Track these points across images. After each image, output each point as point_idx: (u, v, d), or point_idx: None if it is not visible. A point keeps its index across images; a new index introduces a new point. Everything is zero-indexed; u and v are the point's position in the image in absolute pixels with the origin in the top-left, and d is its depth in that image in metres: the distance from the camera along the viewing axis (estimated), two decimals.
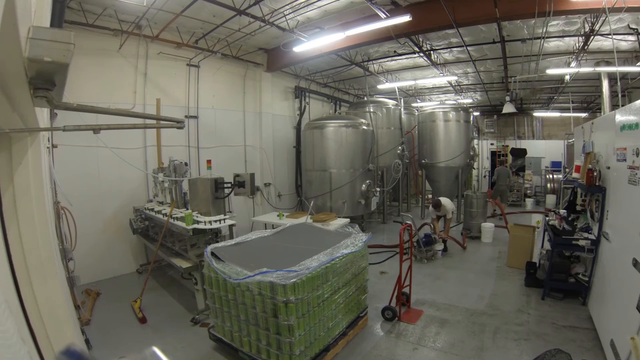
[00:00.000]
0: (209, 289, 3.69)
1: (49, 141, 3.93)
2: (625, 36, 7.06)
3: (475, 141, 12.73)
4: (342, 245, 3.93)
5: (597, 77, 8.83)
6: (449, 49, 8.66)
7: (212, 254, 3.64)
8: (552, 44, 7.88)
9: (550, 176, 13.20)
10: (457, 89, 12.89)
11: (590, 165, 4.54)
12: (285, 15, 6.12)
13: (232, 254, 3.70)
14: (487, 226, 8.10)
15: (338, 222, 6.42)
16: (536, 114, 16.15)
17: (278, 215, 7.34)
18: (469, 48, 8.09)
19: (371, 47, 8.41)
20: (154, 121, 4.48)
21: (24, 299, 1.91)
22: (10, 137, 2.04)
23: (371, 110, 9.78)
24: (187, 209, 5.39)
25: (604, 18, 5.47)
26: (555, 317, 4.39)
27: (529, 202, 13.46)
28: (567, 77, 9.53)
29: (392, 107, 10.66)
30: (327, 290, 3.45)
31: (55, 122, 4.30)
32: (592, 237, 4.51)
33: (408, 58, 9.31)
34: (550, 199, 12.24)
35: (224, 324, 3.63)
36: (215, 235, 5.09)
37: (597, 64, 8.15)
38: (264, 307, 3.10)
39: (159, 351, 0.72)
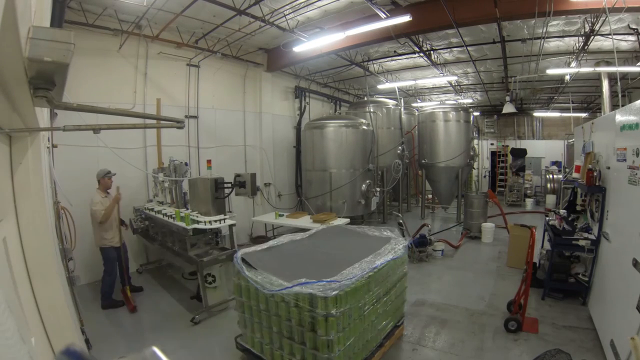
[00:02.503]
0: (237, 298, 3.44)
1: (49, 141, 3.93)
2: (625, 36, 7.06)
3: (475, 141, 12.74)
4: (384, 252, 3.61)
5: (597, 77, 8.82)
6: (449, 49, 8.66)
7: (243, 260, 3.34)
8: (552, 44, 7.88)
9: (550, 176, 13.21)
10: (457, 89, 12.89)
11: (590, 165, 4.54)
12: (285, 15, 6.12)
13: (264, 260, 3.41)
14: (487, 226, 8.10)
15: (338, 222, 6.42)
16: (536, 114, 16.15)
17: (276, 215, 7.35)
18: (469, 48, 8.08)
19: (371, 47, 8.40)
20: (154, 121, 4.47)
21: (24, 299, 1.91)
22: (10, 137, 2.04)
23: (371, 110, 9.78)
24: (187, 209, 5.39)
25: (604, 18, 5.47)
26: (555, 317, 4.39)
27: (529, 202, 13.46)
28: (567, 77, 9.53)
29: (392, 107, 10.66)
30: (369, 301, 3.20)
31: (55, 122, 4.31)
32: (592, 237, 4.51)
33: (408, 58, 9.30)
34: (550, 199, 12.25)
35: (253, 335, 3.37)
36: (215, 235, 5.10)
37: (597, 64, 8.15)
38: (301, 319, 2.84)
39: (159, 351, 0.72)
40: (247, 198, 8.38)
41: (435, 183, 11.15)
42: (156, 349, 0.73)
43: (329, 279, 2.78)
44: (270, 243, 3.94)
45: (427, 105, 12.22)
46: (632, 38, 7.07)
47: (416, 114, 12.16)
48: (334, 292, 2.65)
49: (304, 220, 6.90)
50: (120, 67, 6.43)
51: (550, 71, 8.18)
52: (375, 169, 9.31)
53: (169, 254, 5.29)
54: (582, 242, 4.48)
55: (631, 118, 3.27)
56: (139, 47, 6.65)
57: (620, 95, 6.18)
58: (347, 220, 6.67)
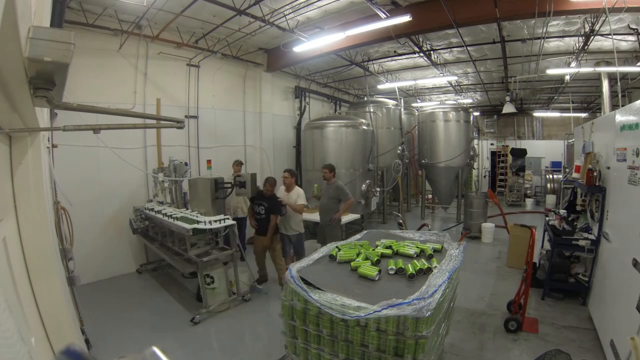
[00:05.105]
0: (288, 321, 2.84)
1: (49, 141, 3.92)
2: (625, 36, 7.06)
3: (475, 141, 12.74)
4: (448, 258, 3.32)
5: (597, 77, 8.82)
6: (449, 49, 8.66)
7: (302, 279, 2.76)
8: (552, 44, 7.88)
9: (550, 176, 13.21)
10: (457, 89, 12.89)
11: (590, 165, 4.54)
12: (285, 15, 6.12)
13: (324, 278, 2.89)
14: (487, 226, 8.10)
15: (349, 217, 6.88)
16: (536, 114, 16.15)
17: None
18: (469, 48, 8.08)
19: (371, 47, 8.41)
20: (154, 121, 4.47)
21: (24, 299, 1.91)
22: (10, 137, 2.04)
23: (371, 110, 9.77)
24: (187, 209, 5.40)
25: (604, 18, 5.47)
26: (555, 317, 4.39)
27: (529, 202, 13.47)
28: (567, 77, 9.53)
29: (392, 107, 10.65)
30: (444, 314, 2.88)
31: (55, 122, 4.30)
32: (592, 237, 4.51)
33: (408, 58, 9.31)
34: (550, 199, 12.25)
35: None
36: (215, 235, 5.09)
37: (597, 64, 8.15)
38: (380, 344, 2.45)
39: (159, 351, 0.72)
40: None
41: (435, 183, 11.15)
42: (156, 349, 0.72)
43: (418, 297, 2.41)
44: (316, 255, 3.38)
45: (427, 105, 12.22)
46: (632, 38, 7.07)
47: (416, 114, 12.16)
48: (429, 313, 2.30)
49: (317, 215, 7.15)
50: (120, 67, 6.43)
51: (550, 71, 8.18)
52: (375, 169, 9.31)
53: (169, 254, 5.29)
54: (582, 242, 4.48)
55: (631, 118, 3.27)
56: (139, 47, 6.65)
57: (620, 95, 6.18)
58: (358, 216, 6.78)
